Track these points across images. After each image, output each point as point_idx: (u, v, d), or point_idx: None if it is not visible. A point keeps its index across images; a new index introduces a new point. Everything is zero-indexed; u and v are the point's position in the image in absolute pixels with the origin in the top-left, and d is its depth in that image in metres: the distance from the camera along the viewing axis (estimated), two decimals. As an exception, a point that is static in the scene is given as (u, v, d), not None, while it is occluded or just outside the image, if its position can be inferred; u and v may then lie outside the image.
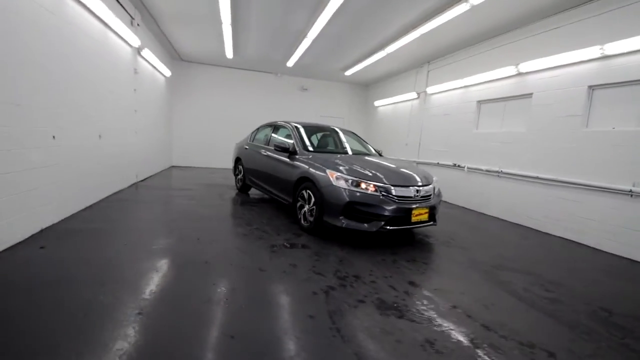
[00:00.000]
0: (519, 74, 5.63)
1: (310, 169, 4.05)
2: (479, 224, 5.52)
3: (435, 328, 2.14)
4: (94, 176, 4.62)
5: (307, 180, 4.08)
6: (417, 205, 3.68)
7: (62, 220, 3.72)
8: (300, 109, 11.39)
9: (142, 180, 7.00)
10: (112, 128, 5.17)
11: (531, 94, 5.45)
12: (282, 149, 4.65)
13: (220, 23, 6.19)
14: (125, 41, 5.54)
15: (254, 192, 6.65)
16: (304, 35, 6.69)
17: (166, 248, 3.21)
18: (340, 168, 3.80)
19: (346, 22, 5.94)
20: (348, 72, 9.74)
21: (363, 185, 3.58)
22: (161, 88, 8.48)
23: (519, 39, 5.62)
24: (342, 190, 3.57)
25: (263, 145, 5.63)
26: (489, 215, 6.11)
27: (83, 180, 4.26)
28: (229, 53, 8.39)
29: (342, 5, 5.08)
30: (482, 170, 6.34)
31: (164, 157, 9.21)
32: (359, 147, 5.37)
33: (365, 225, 3.53)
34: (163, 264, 2.81)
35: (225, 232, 3.93)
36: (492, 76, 6.13)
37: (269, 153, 5.23)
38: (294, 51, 7.88)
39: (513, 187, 5.71)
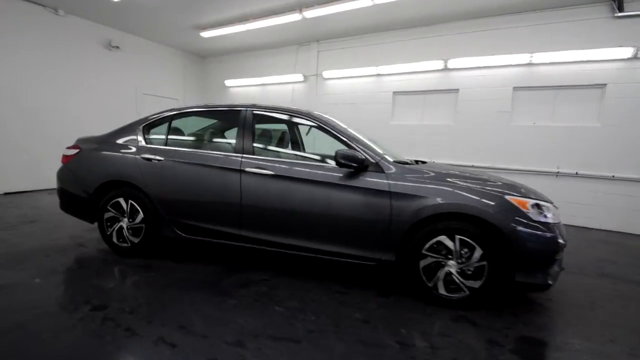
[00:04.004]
0: (446, 69, 5.90)
1: (444, 199, 2.25)
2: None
3: None
4: None
5: (446, 219, 2.27)
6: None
7: None
8: (108, 80, 6.84)
9: None
10: None
11: (457, 89, 5.88)
12: (353, 160, 2.36)
13: None
14: None
15: (165, 251, 3.20)
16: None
17: None
18: (516, 189, 2.36)
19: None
20: (206, 34, 6.74)
21: (551, 214, 2.38)
22: None
23: (446, 34, 5.83)
24: (548, 226, 2.21)
25: (243, 156, 2.70)
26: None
27: None
28: None
29: None
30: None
31: None
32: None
33: (557, 269, 2.42)
34: None
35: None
36: (415, 68, 6.10)
37: (282, 173, 2.57)
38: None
39: (447, 177, 6.10)
